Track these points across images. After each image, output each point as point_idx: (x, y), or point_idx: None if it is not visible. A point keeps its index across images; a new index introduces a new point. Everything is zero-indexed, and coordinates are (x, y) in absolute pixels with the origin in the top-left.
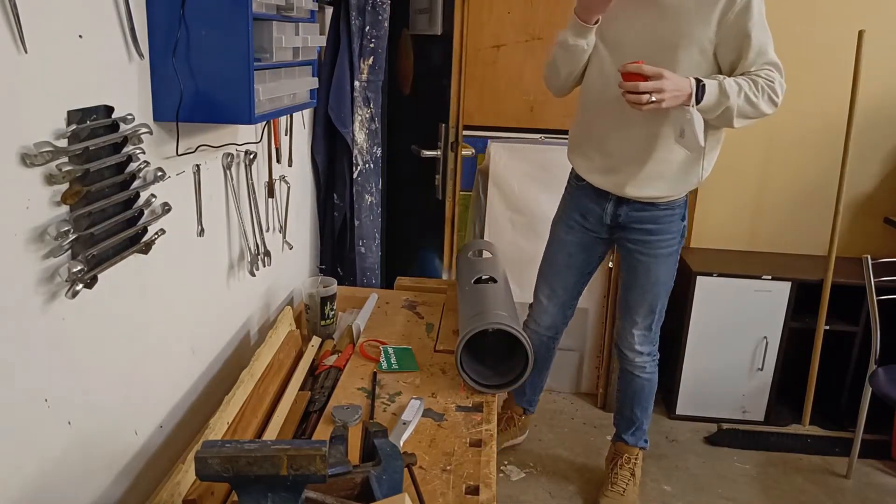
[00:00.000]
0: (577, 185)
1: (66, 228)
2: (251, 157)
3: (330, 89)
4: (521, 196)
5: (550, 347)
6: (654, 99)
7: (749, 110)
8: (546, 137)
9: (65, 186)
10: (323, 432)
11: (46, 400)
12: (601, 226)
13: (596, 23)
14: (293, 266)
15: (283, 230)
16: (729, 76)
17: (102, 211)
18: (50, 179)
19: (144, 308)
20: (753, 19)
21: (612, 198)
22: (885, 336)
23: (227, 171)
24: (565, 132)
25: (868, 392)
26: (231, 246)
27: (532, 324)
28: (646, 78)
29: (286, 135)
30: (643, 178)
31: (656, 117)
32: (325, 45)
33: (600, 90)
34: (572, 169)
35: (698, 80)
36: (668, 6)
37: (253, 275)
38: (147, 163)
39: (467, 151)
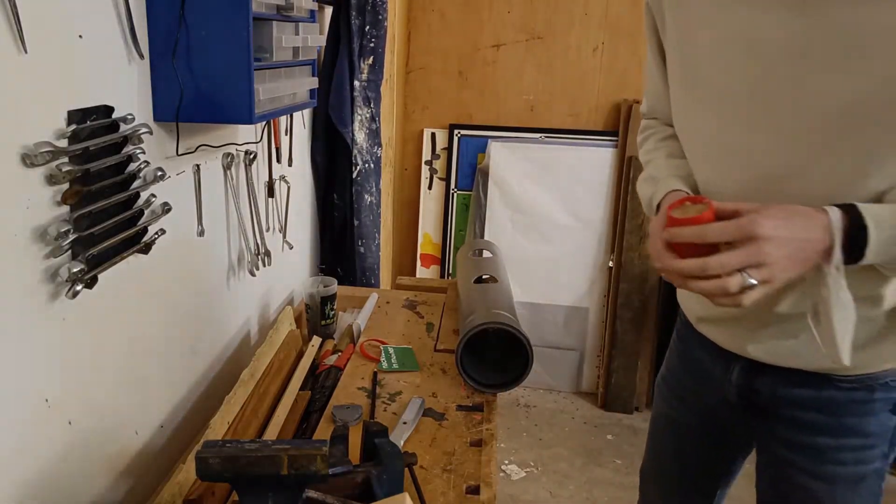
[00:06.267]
0: (687, 327)
1: (67, 228)
2: (251, 157)
3: (330, 89)
4: (521, 196)
5: None
6: (752, 281)
7: None
8: (546, 137)
9: (65, 186)
10: (323, 432)
11: (46, 400)
12: (725, 404)
13: None
14: (293, 266)
15: (283, 230)
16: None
17: (102, 211)
18: (50, 179)
19: (144, 308)
20: None
21: (740, 359)
22: None
23: (227, 171)
24: (566, 132)
25: None
26: (231, 246)
27: None
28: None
29: (286, 135)
30: (786, 327)
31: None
32: (324, 44)
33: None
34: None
35: (850, 212)
36: None
37: (253, 275)
38: (147, 163)
39: None
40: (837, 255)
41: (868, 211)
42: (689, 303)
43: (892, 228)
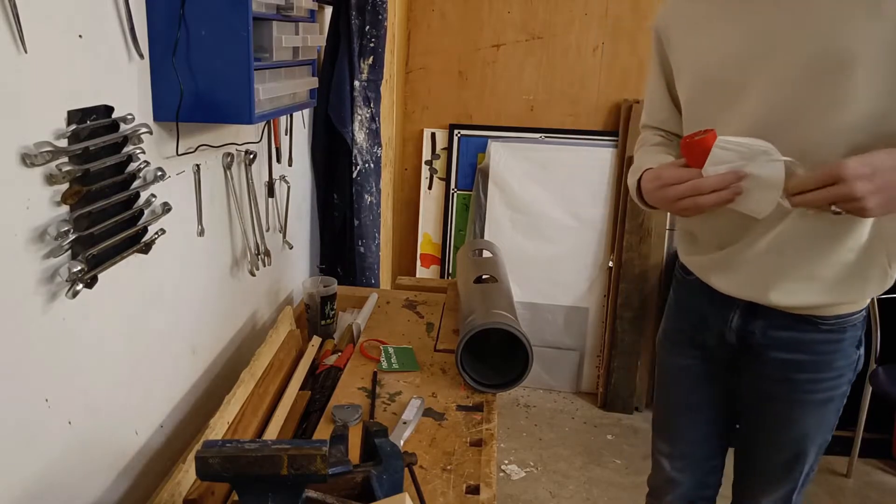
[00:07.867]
0: (685, 279)
1: (66, 228)
2: (251, 156)
3: (330, 89)
4: (521, 196)
5: None
6: (836, 209)
7: None
8: (546, 137)
9: (65, 186)
10: (323, 432)
11: (46, 400)
12: (723, 347)
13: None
14: (293, 266)
15: (283, 230)
16: None
17: (102, 211)
18: (50, 179)
19: (144, 308)
20: None
21: (739, 304)
22: (885, 335)
23: (228, 171)
24: (565, 132)
25: (868, 391)
26: (231, 246)
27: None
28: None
29: (286, 134)
30: (792, 273)
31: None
32: (324, 44)
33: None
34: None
35: None
36: None
37: (253, 275)
38: (147, 163)
39: None
40: None
41: None
42: (695, 258)
43: None
